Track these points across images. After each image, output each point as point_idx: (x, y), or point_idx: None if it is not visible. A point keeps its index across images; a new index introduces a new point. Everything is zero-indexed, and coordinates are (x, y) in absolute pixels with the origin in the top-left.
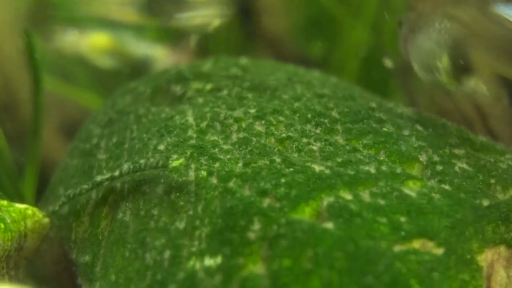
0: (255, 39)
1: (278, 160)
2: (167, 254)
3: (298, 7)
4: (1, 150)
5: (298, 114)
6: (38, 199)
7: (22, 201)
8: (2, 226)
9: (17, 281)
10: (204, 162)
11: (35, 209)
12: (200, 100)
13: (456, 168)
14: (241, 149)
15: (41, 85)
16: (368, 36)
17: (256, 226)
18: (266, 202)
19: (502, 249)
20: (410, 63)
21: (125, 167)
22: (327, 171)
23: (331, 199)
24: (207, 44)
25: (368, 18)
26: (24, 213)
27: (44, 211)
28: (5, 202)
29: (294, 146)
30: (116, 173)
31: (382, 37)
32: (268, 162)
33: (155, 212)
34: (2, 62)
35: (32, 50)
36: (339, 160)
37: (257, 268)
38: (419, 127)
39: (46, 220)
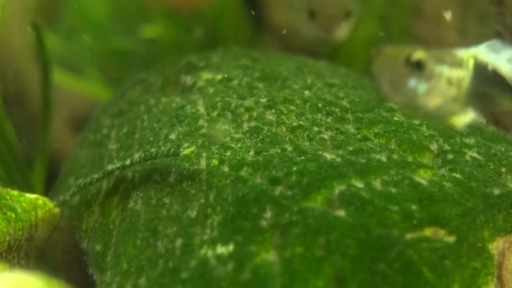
0: (263, 31)
1: (289, 148)
2: (179, 242)
3: None
4: (10, 141)
5: (308, 103)
6: (47, 191)
7: (32, 192)
8: (13, 216)
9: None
10: (216, 151)
11: (45, 199)
12: (211, 90)
13: (467, 157)
14: (252, 137)
15: (50, 77)
16: (377, 29)
17: (268, 214)
18: (278, 190)
19: None
20: None
21: (136, 156)
22: (339, 160)
23: (343, 187)
24: (215, 36)
25: (376, 11)
26: (35, 203)
27: (55, 201)
28: (15, 192)
29: (305, 134)
30: (127, 162)
31: (391, 30)
32: (279, 151)
33: (166, 200)
34: (12, 55)
35: (42, 43)
36: (350, 148)
37: (270, 255)
38: None
39: (57, 210)
